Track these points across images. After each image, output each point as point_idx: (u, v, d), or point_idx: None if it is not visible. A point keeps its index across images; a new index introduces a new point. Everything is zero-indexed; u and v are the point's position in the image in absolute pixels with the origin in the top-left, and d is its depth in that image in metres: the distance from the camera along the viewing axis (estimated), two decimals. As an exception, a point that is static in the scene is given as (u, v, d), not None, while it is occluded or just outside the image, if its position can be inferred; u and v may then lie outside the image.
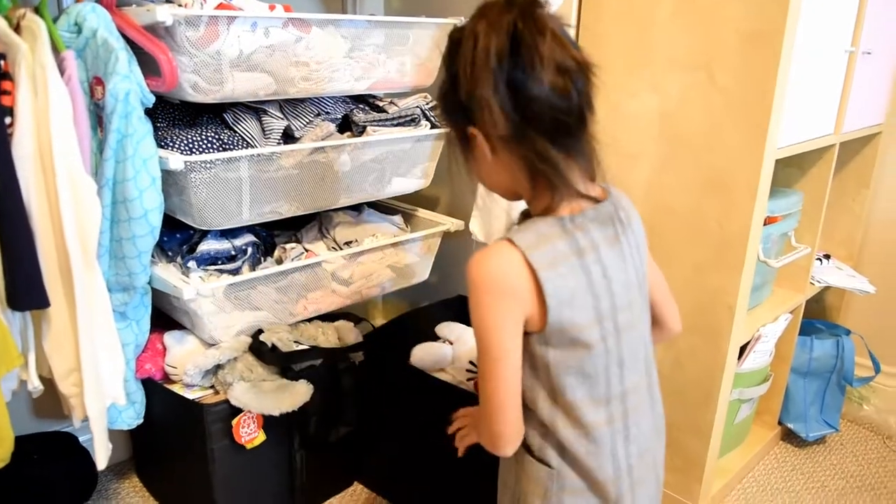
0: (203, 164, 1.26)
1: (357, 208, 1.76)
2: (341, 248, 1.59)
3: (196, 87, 1.23)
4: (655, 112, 1.42)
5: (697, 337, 1.45)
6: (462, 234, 1.68)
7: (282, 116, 1.42)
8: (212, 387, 1.42)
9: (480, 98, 0.79)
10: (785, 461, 1.86)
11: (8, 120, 1.08)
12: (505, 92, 0.79)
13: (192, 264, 1.42)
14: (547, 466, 0.90)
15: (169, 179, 1.28)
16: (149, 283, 1.32)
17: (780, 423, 1.92)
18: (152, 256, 1.39)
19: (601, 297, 0.85)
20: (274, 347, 1.41)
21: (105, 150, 1.16)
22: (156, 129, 1.31)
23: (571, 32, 1.38)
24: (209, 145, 1.29)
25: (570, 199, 0.86)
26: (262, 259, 1.55)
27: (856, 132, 1.72)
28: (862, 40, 1.57)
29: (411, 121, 1.59)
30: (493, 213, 1.54)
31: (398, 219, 1.78)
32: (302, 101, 1.48)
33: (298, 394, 1.39)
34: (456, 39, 0.83)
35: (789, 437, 1.95)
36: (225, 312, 1.39)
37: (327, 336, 1.54)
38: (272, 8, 1.38)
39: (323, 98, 1.51)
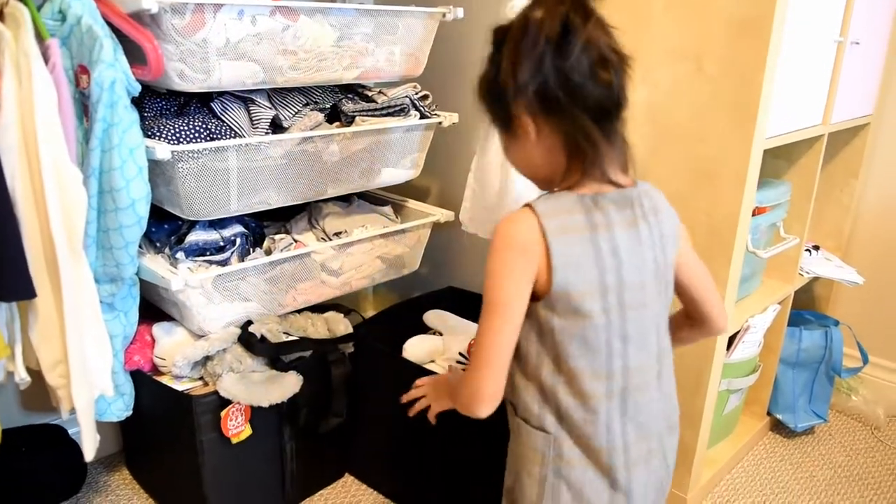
0: (190, 154, 1.25)
1: (347, 199, 1.76)
2: (331, 239, 1.58)
3: (182, 75, 1.22)
4: (644, 102, 1.41)
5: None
6: (452, 225, 1.67)
7: (270, 106, 1.41)
8: (201, 378, 1.42)
9: (533, 80, 0.86)
10: (774, 451, 1.87)
11: (-9, 109, 1.07)
12: (556, 75, 0.85)
13: (180, 255, 1.41)
14: (544, 433, 0.93)
15: (156, 169, 1.27)
16: (137, 273, 1.31)
17: (768, 413, 1.93)
18: (140, 247, 1.38)
19: (607, 272, 0.89)
20: (263, 338, 1.41)
21: (91, 139, 1.15)
22: (143, 118, 1.30)
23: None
24: (196, 135, 1.28)
25: (597, 182, 0.91)
26: (252, 250, 1.54)
27: (844, 123, 1.72)
28: (850, 30, 1.57)
29: (400, 111, 1.58)
30: (483, 203, 1.54)
31: (388, 209, 1.78)
32: (290, 90, 1.47)
33: (288, 385, 1.38)
34: (506, 27, 0.90)
35: (778, 427, 1.96)
36: (214, 303, 1.38)
37: (317, 327, 1.54)
38: (260, -4, 1.38)
39: (312, 87, 1.50)
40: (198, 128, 1.29)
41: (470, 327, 1.54)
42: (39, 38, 1.12)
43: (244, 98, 1.41)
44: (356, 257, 1.59)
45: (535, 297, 0.90)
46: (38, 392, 1.38)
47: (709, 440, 1.64)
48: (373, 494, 1.64)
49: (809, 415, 1.90)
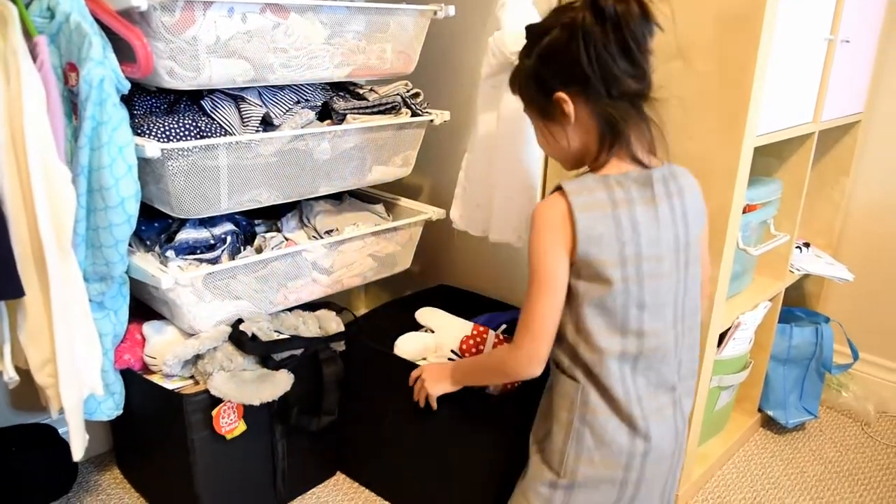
0: (180, 152, 1.25)
1: (338, 197, 1.75)
2: (322, 237, 1.58)
3: (172, 73, 1.21)
4: (635, 100, 1.41)
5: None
6: (444, 223, 1.67)
7: (260, 104, 1.41)
8: (192, 377, 1.41)
9: (580, 69, 0.96)
10: (765, 448, 1.88)
11: (-21, 107, 1.06)
12: (602, 64, 0.95)
13: (170, 253, 1.41)
14: (574, 381, 1.06)
15: (146, 167, 1.26)
16: (126, 272, 1.30)
17: (759, 410, 1.93)
18: (130, 246, 1.37)
19: (627, 244, 1.00)
20: (254, 337, 1.40)
21: (80, 137, 1.15)
22: (132, 116, 1.30)
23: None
24: (187, 133, 1.28)
25: (623, 161, 1.03)
26: (242, 248, 1.53)
27: (835, 120, 1.73)
28: (841, 28, 1.58)
29: (392, 108, 1.58)
30: (473, 201, 1.54)
31: (380, 207, 1.78)
32: (281, 88, 1.46)
33: (279, 383, 1.38)
34: (546, 24, 1.00)
35: (769, 423, 1.97)
36: (204, 302, 1.38)
37: (308, 325, 1.53)
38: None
39: (302, 85, 1.49)
40: (188, 126, 1.29)
41: (461, 325, 1.54)
42: (27, 35, 1.11)
43: (235, 96, 1.40)
44: (347, 255, 1.58)
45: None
46: (28, 391, 1.37)
47: (700, 437, 1.65)
48: (364, 492, 1.64)
49: (800, 411, 1.91)
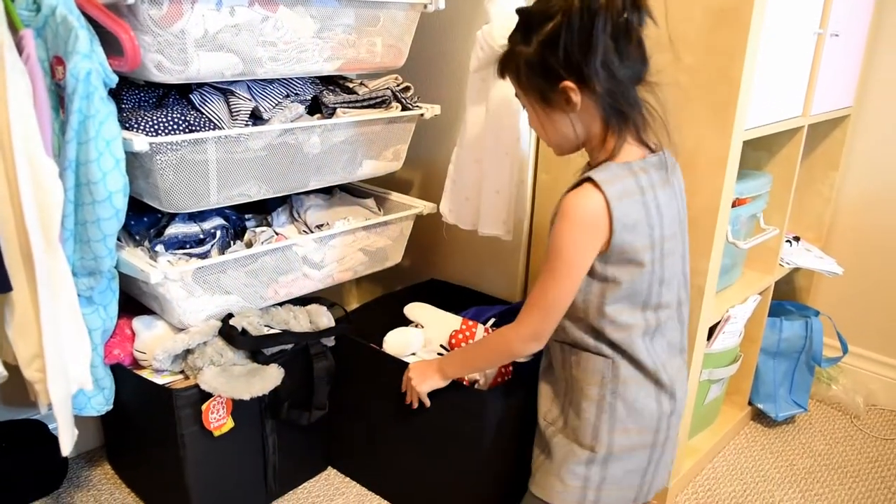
0: (169, 146, 1.24)
1: (329, 191, 1.75)
2: (312, 232, 1.58)
3: (160, 66, 1.21)
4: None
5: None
6: (435, 217, 1.67)
7: (250, 97, 1.40)
8: (181, 372, 1.41)
9: (589, 55, 0.97)
10: (755, 441, 1.89)
11: (-36, 100, 1.05)
12: (612, 50, 0.98)
13: (159, 248, 1.40)
14: (603, 357, 1.10)
15: (135, 162, 1.26)
16: (116, 267, 1.30)
17: (749, 403, 1.94)
18: (119, 240, 1.37)
19: (654, 227, 1.05)
20: (244, 331, 1.40)
21: (67, 131, 1.14)
22: (121, 110, 1.29)
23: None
24: (175, 127, 1.27)
25: (632, 146, 1.07)
26: (232, 242, 1.53)
27: (824, 114, 1.74)
28: (830, 22, 1.58)
29: (382, 102, 1.57)
30: (462, 194, 1.54)
31: (371, 202, 1.77)
32: (270, 82, 1.46)
33: (269, 378, 1.38)
34: (545, 9, 1.00)
35: (759, 417, 1.98)
36: (194, 297, 1.37)
37: (299, 320, 1.53)
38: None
39: (292, 79, 1.49)
40: (176, 119, 1.28)
41: (450, 319, 1.54)
42: (13, 28, 1.10)
43: (224, 90, 1.40)
44: (338, 250, 1.58)
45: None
46: (17, 387, 1.37)
47: (690, 430, 1.66)
48: (356, 487, 1.64)
49: (790, 404, 1.92)
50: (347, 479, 1.67)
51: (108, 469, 1.68)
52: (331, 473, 1.69)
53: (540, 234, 1.69)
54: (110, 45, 1.16)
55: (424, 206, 1.71)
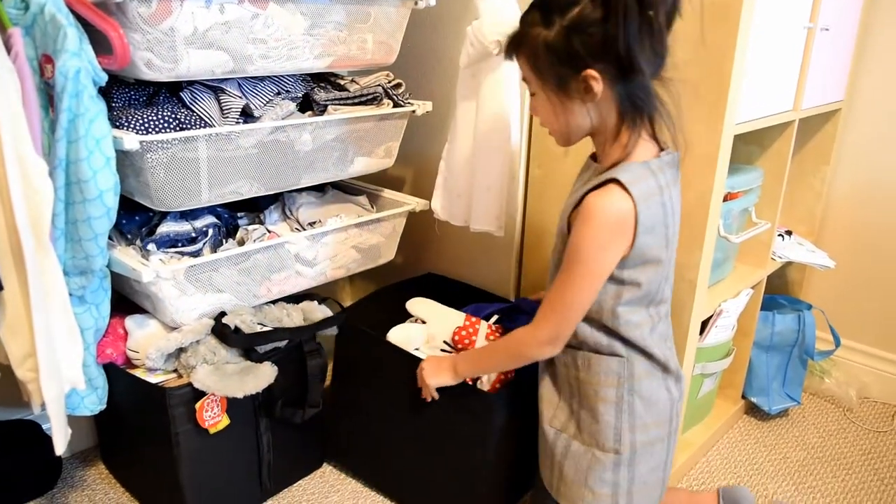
0: (159, 144, 1.24)
1: (321, 189, 1.75)
2: (305, 229, 1.57)
3: (150, 64, 1.20)
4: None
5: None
6: (428, 214, 1.67)
7: (240, 95, 1.40)
8: (175, 370, 1.41)
9: (617, 44, 0.93)
10: (748, 434, 1.89)
11: (-47, 99, 1.05)
12: (635, 39, 0.94)
13: (151, 247, 1.40)
14: (618, 357, 1.10)
15: (125, 160, 1.25)
16: (107, 266, 1.30)
17: (743, 397, 1.95)
18: (111, 239, 1.37)
19: (669, 226, 1.06)
20: (237, 330, 1.40)
21: (57, 129, 1.14)
22: (111, 108, 1.28)
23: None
24: (166, 125, 1.27)
25: (647, 142, 1.04)
26: (224, 241, 1.53)
27: (815, 109, 1.74)
28: (820, 16, 1.59)
29: (373, 99, 1.57)
30: (454, 191, 1.54)
31: (363, 199, 1.77)
32: (261, 79, 1.46)
33: (263, 375, 1.38)
34: None
35: (752, 410, 1.98)
36: (186, 295, 1.37)
37: (292, 318, 1.53)
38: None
39: (283, 76, 1.49)
40: (167, 118, 1.28)
41: (452, 315, 1.53)
42: (1, 27, 1.10)
43: (214, 87, 1.39)
44: (331, 247, 1.58)
45: None
46: (10, 388, 1.36)
47: (684, 424, 1.66)
48: (351, 483, 1.64)
49: (783, 397, 1.93)
50: (343, 476, 1.67)
51: (102, 468, 1.67)
52: (326, 471, 1.69)
53: (533, 230, 1.69)
54: (99, 43, 1.16)
55: (417, 203, 1.70)
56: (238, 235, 1.56)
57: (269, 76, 1.46)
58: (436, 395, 1.33)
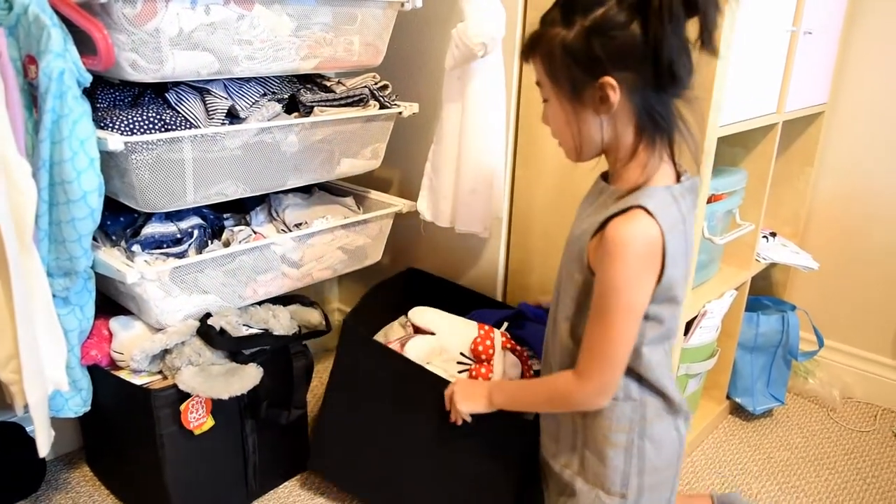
0: (144, 145, 1.23)
1: (308, 190, 1.75)
2: (291, 231, 1.57)
3: (135, 65, 1.20)
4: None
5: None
6: (414, 215, 1.67)
7: (226, 96, 1.40)
8: (160, 372, 1.40)
9: (638, 49, 0.86)
10: (733, 434, 1.91)
11: (-65, 99, 1.04)
12: (664, 49, 0.85)
13: (136, 248, 1.40)
14: (632, 401, 1.03)
15: (110, 161, 1.25)
16: (92, 267, 1.29)
17: (727, 397, 1.96)
18: (95, 240, 1.36)
19: (688, 256, 0.99)
20: (223, 331, 1.40)
21: (40, 130, 1.13)
22: (96, 109, 1.28)
23: (519, 12, 1.40)
24: (151, 126, 1.27)
25: (667, 165, 0.96)
26: (210, 242, 1.53)
27: (799, 111, 1.76)
28: (804, 20, 1.60)
29: (360, 101, 1.57)
30: (440, 193, 1.54)
31: (349, 200, 1.77)
32: (247, 80, 1.45)
33: (248, 377, 1.38)
34: None
35: (737, 410, 2.00)
36: (171, 296, 1.37)
37: (279, 319, 1.53)
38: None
39: (269, 78, 1.49)
40: (152, 119, 1.27)
41: (462, 324, 1.47)
42: (-16, 27, 1.10)
43: (200, 88, 1.39)
44: (317, 248, 1.58)
45: None
46: (-7, 390, 1.36)
47: (669, 424, 1.67)
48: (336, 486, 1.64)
49: (767, 398, 1.94)
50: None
51: (86, 471, 1.67)
52: (311, 473, 1.69)
53: (518, 231, 1.69)
54: (84, 43, 1.15)
55: (403, 204, 1.71)
56: (224, 237, 1.56)
57: (255, 77, 1.46)
58: (468, 419, 1.24)
